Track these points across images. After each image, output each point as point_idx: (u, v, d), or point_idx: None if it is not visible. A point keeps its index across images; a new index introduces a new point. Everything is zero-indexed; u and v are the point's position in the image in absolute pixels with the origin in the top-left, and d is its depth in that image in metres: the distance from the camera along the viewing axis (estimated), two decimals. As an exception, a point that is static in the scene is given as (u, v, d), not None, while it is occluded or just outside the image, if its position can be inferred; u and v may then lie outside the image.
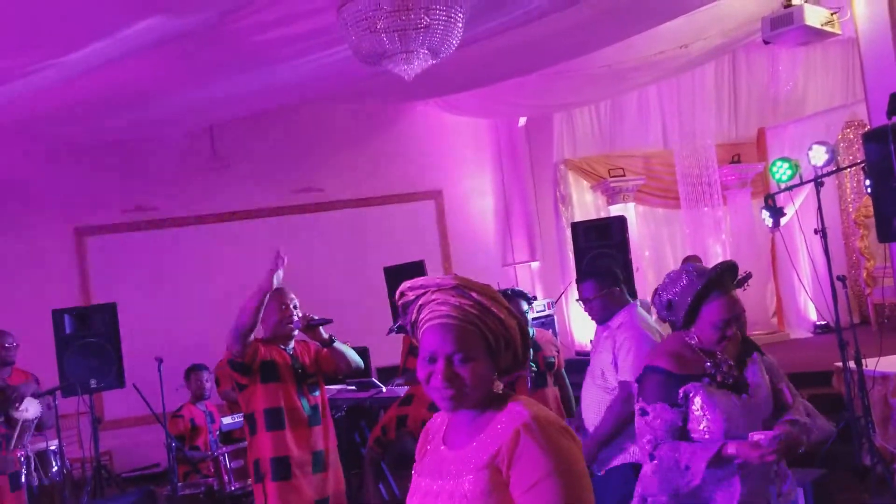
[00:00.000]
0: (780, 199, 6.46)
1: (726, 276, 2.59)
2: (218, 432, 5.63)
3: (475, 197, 8.88)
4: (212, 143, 7.99)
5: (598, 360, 3.55)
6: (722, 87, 8.74)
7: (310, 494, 3.61)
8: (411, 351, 5.73)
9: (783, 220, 6.44)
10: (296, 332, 3.76)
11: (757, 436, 2.35)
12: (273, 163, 8.21)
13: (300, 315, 3.73)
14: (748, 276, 5.34)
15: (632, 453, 3.35)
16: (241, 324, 3.52)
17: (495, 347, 1.61)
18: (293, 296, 3.80)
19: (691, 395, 2.46)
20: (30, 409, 4.28)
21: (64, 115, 5.80)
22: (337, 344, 3.77)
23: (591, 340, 3.75)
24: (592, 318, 3.67)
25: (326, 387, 5.84)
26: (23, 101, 5.15)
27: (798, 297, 8.40)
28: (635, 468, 3.24)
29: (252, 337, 3.61)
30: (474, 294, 1.60)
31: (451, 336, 1.58)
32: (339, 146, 8.40)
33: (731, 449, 2.35)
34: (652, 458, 2.49)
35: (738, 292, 2.60)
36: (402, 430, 4.78)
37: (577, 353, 7.67)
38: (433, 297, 1.62)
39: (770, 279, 8.69)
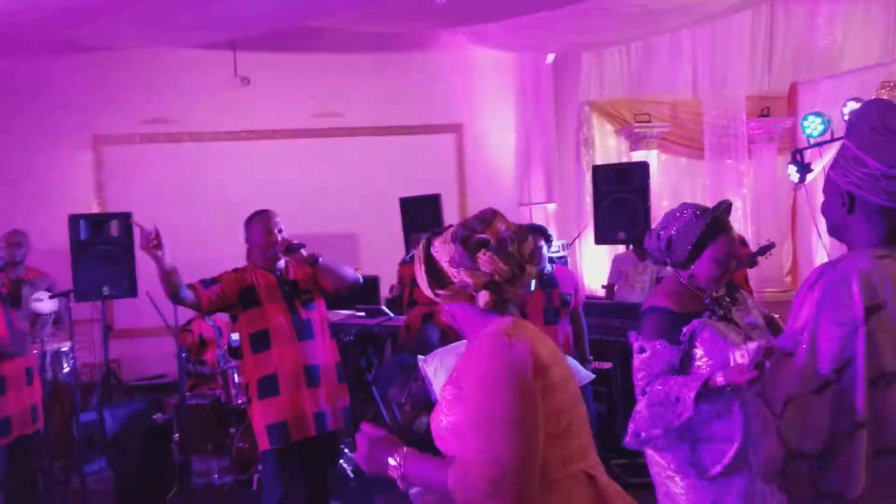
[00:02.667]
0: (809, 155, 6.36)
1: (725, 214, 2.66)
2: (226, 346, 5.68)
3: (496, 133, 8.76)
4: (234, 61, 7.87)
5: None
6: (758, 37, 8.48)
7: (305, 407, 3.65)
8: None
9: (809, 177, 6.35)
10: (280, 256, 3.76)
11: (737, 352, 2.24)
12: (294, 85, 8.09)
13: (280, 239, 3.72)
14: (771, 245, 5.28)
15: None
16: (166, 294, 3.58)
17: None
18: (278, 220, 3.79)
19: (698, 330, 2.48)
20: (45, 303, 4.31)
21: (84, 17, 5.70)
22: (323, 261, 3.76)
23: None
24: None
25: (336, 311, 5.90)
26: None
27: (815, 256, 8.31)
28: None
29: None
30: None
31: None
32: (363, 72, 8.26)
33: (718, 378, 2.32)
34: (644, 393, 2.50)
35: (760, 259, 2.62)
36: (428, 323, 4.84)
37: (588, 297, 7.66)
38: None
39: (788, 237, 8.60)
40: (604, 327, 5.13)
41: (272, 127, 8.12)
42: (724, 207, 2.65)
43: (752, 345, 2.21)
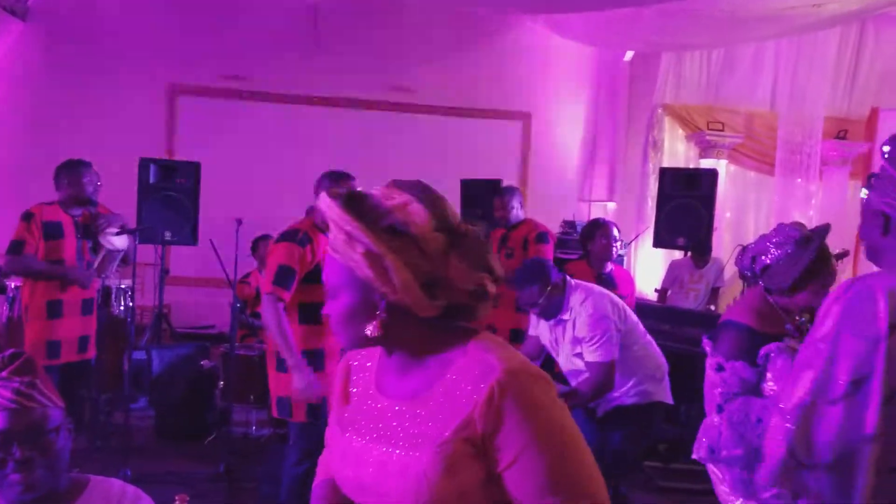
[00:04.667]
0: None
1: (826, 244, 2.60)
2: (279, 303, 5.76)
3: (564, 126, 8.70)
4: (314, 25, 7.93)
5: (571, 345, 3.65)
6: (844, 56, 8.24)
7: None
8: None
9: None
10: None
11: None
12: (371, 55, 8.12)
13: None
14: (846, 252, 5.18)
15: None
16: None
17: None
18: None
19: (773, 355, 2.43)
20: (118, 238, 4.43)
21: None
22: None
23: (548, 340, 3.83)
24: (544, 318, 3.71)
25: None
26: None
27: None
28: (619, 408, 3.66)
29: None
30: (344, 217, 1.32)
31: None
32: (439, 50, 8.26)
33: None
34: (720, 409, 2.47)
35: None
36: None
37: (638, 300, 7.60)
38: None
39: (849, 266, 8.39)
40: (654, 330, 5.03)
41: (344, 95, 8.18)
42: (825, 233, 2.59)
43: None
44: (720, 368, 2.49)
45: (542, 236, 5.20)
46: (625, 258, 6.89)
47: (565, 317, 3.62)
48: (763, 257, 2.59)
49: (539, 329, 3.85)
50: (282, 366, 3.55)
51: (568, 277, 3.70)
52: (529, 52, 8.47)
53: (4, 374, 1.66)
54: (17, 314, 4.83)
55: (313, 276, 3.53)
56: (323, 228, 3.67)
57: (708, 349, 2.59)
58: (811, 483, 1.68)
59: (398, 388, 1.41)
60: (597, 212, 8.53)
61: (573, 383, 3.67)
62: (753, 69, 8.27)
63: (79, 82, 7.63)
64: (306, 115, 8.13)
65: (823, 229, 2.61)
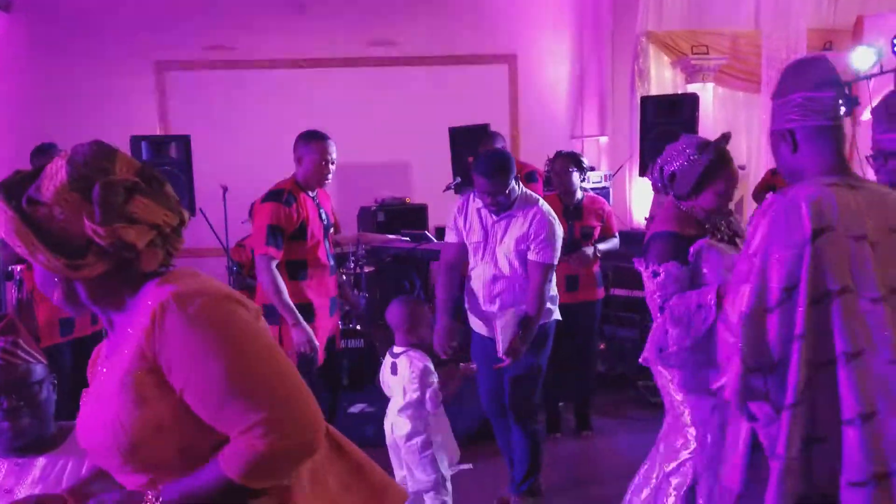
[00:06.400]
0: (861, 91, 6.20)
1: (725, 144, 2.75)
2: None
3: (550, 64, 8.72)
4: (292, -13, 7.99)
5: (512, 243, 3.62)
6: (827, -35, 8.17)
7: (323, 335, 3.86)
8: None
9: (864, 115, 6.20)
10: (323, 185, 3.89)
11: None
12: (352, 12, 8.18)
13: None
14: None
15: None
16: None
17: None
18: (334, 151, 3.86)
19: (704, 251, 2.57)
20: None
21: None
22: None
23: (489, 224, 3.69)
24: (496, 211, 3.62)
25: (386, 235, 6.14)
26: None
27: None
28: None
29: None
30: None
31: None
32: (420, 1, 8.29)
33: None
34: (662, 310, 2.61)
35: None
36: None
37: (632, 229, 7.71)
38: None
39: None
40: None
41: (327, 55, 8.26)
42: (726, 141, 2.74)
43: None
44: (655, 274, 2.64)
45: (531, 175, 5.30)
46: (612, 189, 6.99)
47: (516, 212, 3.58)
48: (668, 166, 2.75)
49: (460, 228, 3.73)
50: (273, 319, 3.73)
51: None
52: (509, -7, 8.47)
53: None
54: (26, 296, 5.05)
55: (298, 233, 3.76)
56: (305, 188, 3.85)
57: (640, 266, 2.74)
58: (758, 385, 1.82)
59: (108, 348, 1.46)
60: (590, 147, 8.60)
61: (487, 290, 3.64)
62: (736, -12, 8.21)
63: (66, 68, 7.76)
64: (293, 79, 8.23)
65: (724, 137, 2.76)
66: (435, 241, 6.16)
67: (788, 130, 1.91)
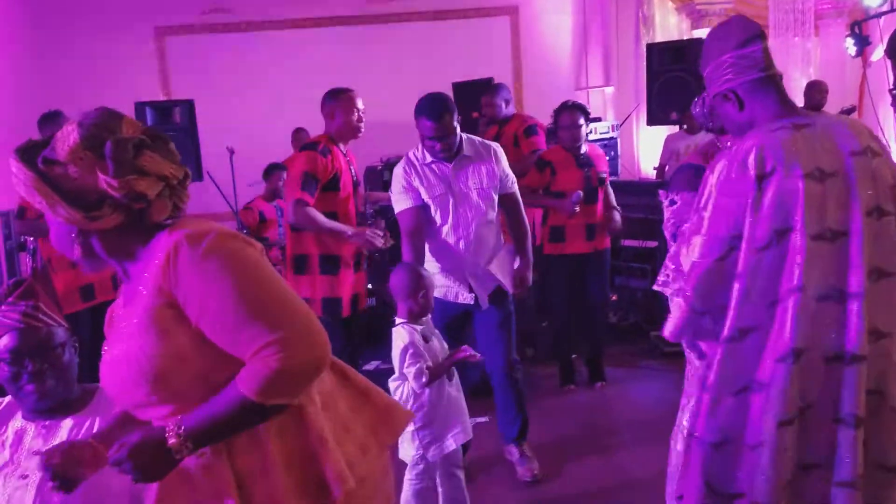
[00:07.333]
0: (872, 29, 6.11)
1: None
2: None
3: (552, 15, 8.60)
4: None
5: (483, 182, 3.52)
6: None
7: (349, 288, 3.92)
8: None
9: (875, 56, 6.11)
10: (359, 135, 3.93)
11: None
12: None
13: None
14: (853, 108, 5.23)
15: None
16: None
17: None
18: (361, 103, 3.92)
19: None
20: None
21: None
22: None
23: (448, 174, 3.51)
24: (447, 157, 3.47)
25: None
26: None
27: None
28: None
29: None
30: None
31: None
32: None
33: None
34: (674, 238, 2.62)
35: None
36: None
37: (641, 179, 7.67)
38: None
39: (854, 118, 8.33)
40: (650, 206, 5.17)
41: (328, 14, 8.16)
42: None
43: None
44: (672, 203, 2.63)
45: (531, 129, 5.26)
46: (619, 140, 6.93)
47: (468, 153, 3.48)
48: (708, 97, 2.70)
49: (416, 187, 3.49)
50: (301, 269, 3.87)
51: None
52: (508, -57, 8.33)
53: (11, 299, 1.87)
54: (41, 265, 5.08)
55: (331, 184, 3.83)
56: (337, 141, 3.87)
57: (663, 197, 2.72)
58: (707, 325, 1.90)
59: (126, 294, 1.55)
60: (595, 98, 8.52)
61: (467, 237, 3.48)
62: (740, -71, 8.05)
63: (67, 38, 7.71)
64: (293, 40, 8.15)
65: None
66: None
67: (730, 90, 1.94)
